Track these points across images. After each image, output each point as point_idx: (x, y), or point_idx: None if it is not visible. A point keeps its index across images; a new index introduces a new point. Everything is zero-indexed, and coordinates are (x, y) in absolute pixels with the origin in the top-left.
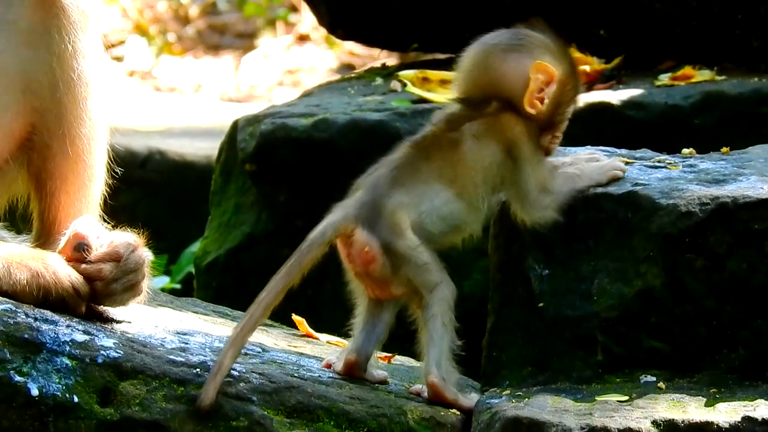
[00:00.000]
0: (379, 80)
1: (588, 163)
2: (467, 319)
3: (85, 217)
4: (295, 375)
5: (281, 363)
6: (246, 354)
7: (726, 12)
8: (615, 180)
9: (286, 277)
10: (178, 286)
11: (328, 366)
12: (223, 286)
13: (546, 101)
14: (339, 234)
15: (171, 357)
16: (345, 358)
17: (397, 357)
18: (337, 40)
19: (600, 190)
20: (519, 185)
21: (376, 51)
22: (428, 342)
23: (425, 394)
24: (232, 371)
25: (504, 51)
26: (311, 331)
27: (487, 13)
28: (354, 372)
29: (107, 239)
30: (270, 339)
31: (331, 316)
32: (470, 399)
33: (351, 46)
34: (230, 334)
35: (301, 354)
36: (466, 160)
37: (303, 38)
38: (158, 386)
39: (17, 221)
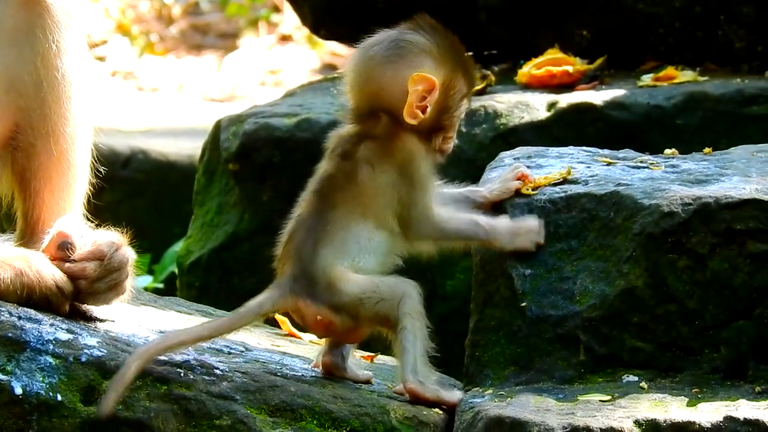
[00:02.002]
0: None
1: (502, 221)
2: (450, 318)
3: (69, 216)
4: (278, 374)
5: (264, 362)
6: (229, 353)
7: (709, 13)
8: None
9: (214, 331)
10: (161, 285)
11: (317, 366)
12: (206, 285)
13: (429, 109)
14: (277, 309)
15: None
16: (321, 359)
17: (380, 356)
18: (320, 40)
19: (582, 190)
20: (407, 210)
21: None
22: (401, 352)
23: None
24: (215, 370)
25: (382, 63)
26: (294, 330)
27: (469, 14)
28: (333, 371)
29: (91, 238)
30: (253, 338)
31: None
32: (453, 394)
33: (333, 46)
34: (140, 349)
35: (284, 353)
36: (366, 189)
37: (285, 38)
38: (141, 385)
39: (1, 220)
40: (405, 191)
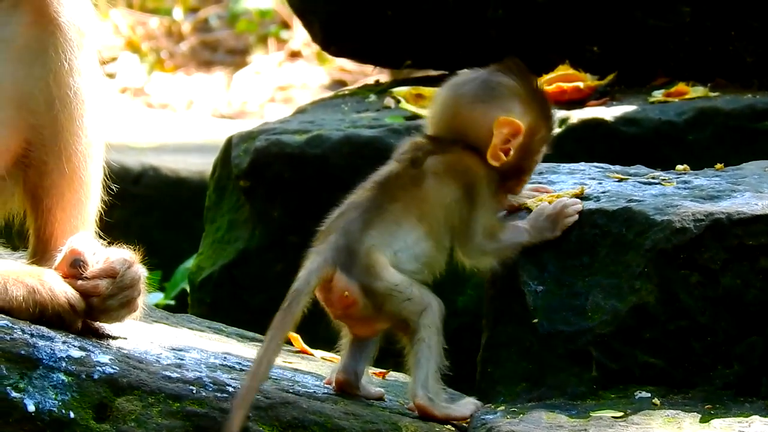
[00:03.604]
0: (372, 97)
1: (539, 219)
2: (461, 334)
3: (81, 234)
4: (290, 391)
5: (276, 379)
6: (241, 370)
7: (719, 28)
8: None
9: (281, 330)
10: (172, 302)
11: (329, 383)
12: (217, 302)
13: (511, 152)
14: (322, 279)
15: (166, 373)
16: (335, 377)
17: (392, 373)
18: (329, 57)
19: (593, 206)
20: (467, 226)
21: (367, 68)
22: (415, 365)
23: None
24: (227, 387)
25: (471, 102)
26: (306, 347)
27: (479, 30)
28: (346, 389)
29: (103, 255)
30: None
31: (325, 332)
32: (462, 406)
33: (343, 62)
34: (237, 396)
35: (296, 370)
36: (429, 198)
37: (295, 55)
38: (154, 402)
39: (13, 238)
40: (467, 209)
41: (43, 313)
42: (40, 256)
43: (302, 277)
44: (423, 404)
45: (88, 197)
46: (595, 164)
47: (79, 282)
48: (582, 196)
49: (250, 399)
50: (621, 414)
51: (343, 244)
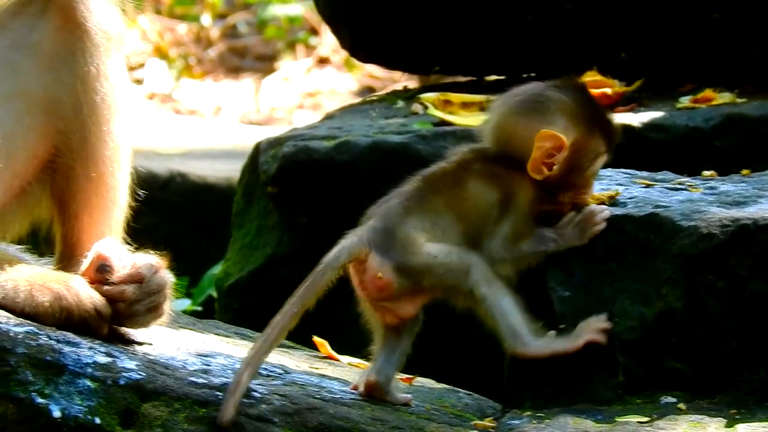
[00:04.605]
0: (400, 103)
1: (566, 226)
2: (488, 339)
3: (108, 239)
4: (317, 396)
5: (303, 384)
6: (268, 376)
7: (747, 35)
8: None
9: (301, 300)
10: (199, 308)
11: (355, 388)
12: (244, 308)
13: (555, 166)
14: (353, 258)
15: (193, 379)
16: (365, 379)
17: (418, 378)
18: (358, 63)
19: (620, 212)
20: (492, 231)
21: (396, 74)
22: (493, 324)
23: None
24: (253, 393)
25: (516, 114)
26: (333, 353)
27: (507, 36)
28: (375, 394)
29: (130, 261)
30: (292, 361)
31: (352, 338)
32: (571, 341)
33: (371, 68)
34: (246, 355)
35: (323, 375)
36: (469, 198)
37: (323, 61)
38: (180, 408)
39: (40, 243)
40: (498, 214)
41: (69, 319)
42: (67, 261)
43: (333, 253)
44: (522, 353)
45: (115, 203)
46: (622, 170)
47: (106, 287)
48: (609, 201)
49: (258, 361)
50: (647, 419)
51: (380, 226)
